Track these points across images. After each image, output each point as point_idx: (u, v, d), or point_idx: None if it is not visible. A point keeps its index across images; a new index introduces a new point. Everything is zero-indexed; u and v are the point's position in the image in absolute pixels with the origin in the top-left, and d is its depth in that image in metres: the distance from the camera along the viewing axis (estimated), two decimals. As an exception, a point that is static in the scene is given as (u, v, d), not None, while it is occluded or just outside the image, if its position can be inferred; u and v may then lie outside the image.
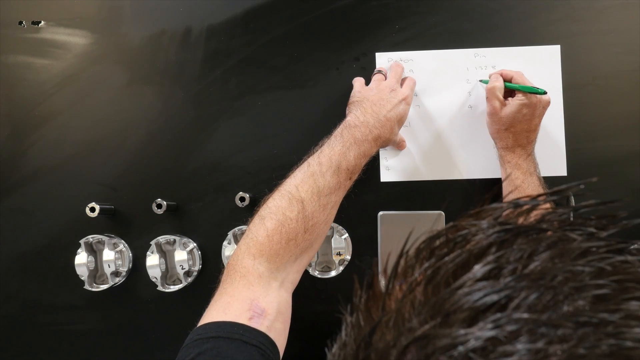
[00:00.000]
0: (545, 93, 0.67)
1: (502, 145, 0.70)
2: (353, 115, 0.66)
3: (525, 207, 0.27)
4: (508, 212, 0.27)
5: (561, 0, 0.75)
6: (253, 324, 0.48)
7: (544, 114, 0.68)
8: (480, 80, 0.75)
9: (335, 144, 0.63)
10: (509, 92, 0.70)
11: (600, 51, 0.75)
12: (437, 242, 0.27)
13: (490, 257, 0.25)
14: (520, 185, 0.67)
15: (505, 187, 0.72)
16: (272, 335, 0.49)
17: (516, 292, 0.23)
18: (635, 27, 0.75)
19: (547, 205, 0.28)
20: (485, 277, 0.24)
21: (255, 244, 0.56)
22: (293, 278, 0.59)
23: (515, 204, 0.28)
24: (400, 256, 0.28)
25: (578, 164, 0.74)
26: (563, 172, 0.75)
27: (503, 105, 0.68)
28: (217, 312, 0.50)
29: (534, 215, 0.27)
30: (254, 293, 0.52)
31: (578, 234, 0.26)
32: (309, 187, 0.59)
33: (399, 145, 0.75)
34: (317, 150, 0.63)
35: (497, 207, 0.28)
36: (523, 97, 0.67)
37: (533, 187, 0.67)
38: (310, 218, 0.58)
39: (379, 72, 0.74)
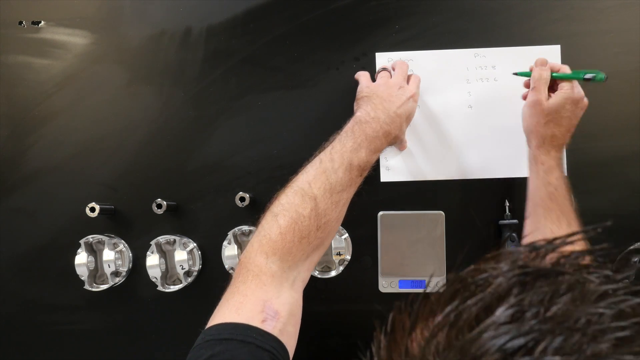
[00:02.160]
0: (604, 79, 0.64)
1: (538, 143, 0.66)
2: (364, 111, 0.65)
3: (542, 250, 0.28)
4: (526, 254, 0.28)
5: (561, 0, 0.75)
6: (266, 327, 0.48)
7: (580, 116, 0.66)
8: (516, 73, 0.71)
9: (346, 140, 0.62)
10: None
11: (600, 51, 0.75)
12: (459, 285, 0.27)
13: (512, 300, 0.25)
14: (553, 193, 0.64)
15: (533, 200, 0.67)
16: (284, 339, 0.49)
17: (542, 335, 0.23)
18: (635, 27, 0.75)
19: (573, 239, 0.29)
20: (508, 321, 0.24)
21: (268, 241, 0.55)
22: (304, 276, 0.58)
23: (533, 247, 0.28)
24: (422, 299, 0.28)
25: (578, 164, 0.74)
26: (563, 172, 0.74)
27: (547, 97, 0.66)
28: (229, 311, 0.49)
29: (550, 257, 0.28)
30: (266, 294, 0.51)
31: (595, 277, 0.26)
32: (322, 183, 0.58)
33: (401, 145, 0.74)
34: (328, 146, 0.63)
35: (516, 250, 0.28)
36: (569, 91, 0.64)
37: (563, 201, 0.64)
38: (322, 215, 0.57)
39: (384, 69, 0.74)
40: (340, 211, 0.60)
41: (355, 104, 0.70)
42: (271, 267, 0.54)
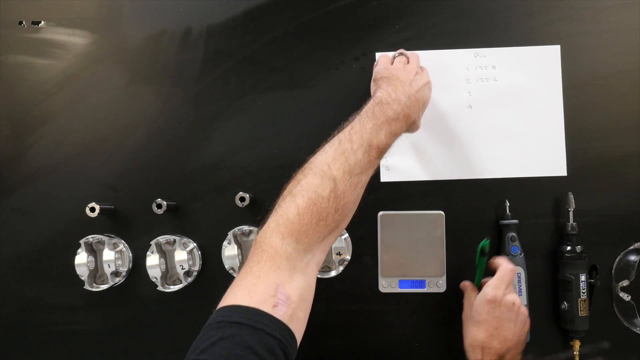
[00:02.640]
0: (488, 243, 0.67)
1: (471, 351, 0.66)
2: (384, 92, 0.64)
3: None
4: None
5: (561, 0, 0.75)
6: (277, 313, 0.48)
7: (510, 320, 0.64)
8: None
9: (366, 121, 0.60)
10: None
11: (600, 51, 0.75)
12: None
13: None
14: None
15: None
16: (293, 326, 0.49)
17: None
18: (635, 27, 0.75)
19: None
20: None
21: (285, 222, 0.54)
22: (318, 259, 0.57)
23: None
24: None
25: (578, 164, 0.74)
26: (563, 172, 0.75)
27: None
28: (241, 293, 0.49)
29: None
30: (279, 277, 0.51)
31: None
32: (341, 165, 0.57)
33: (415, 128, 0.72)
34: (347, 126, 0.61)
35: None
36: (486, 288, 0.66)
37: None
38: (341, 197, 0.56)
39: (402, 54, 0.73)
40: (358, 193, 0.59)
41: (372, 83, 0.70)
42: (287, 249, 0.53)
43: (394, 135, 0.62)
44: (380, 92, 0.64)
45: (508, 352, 0.63)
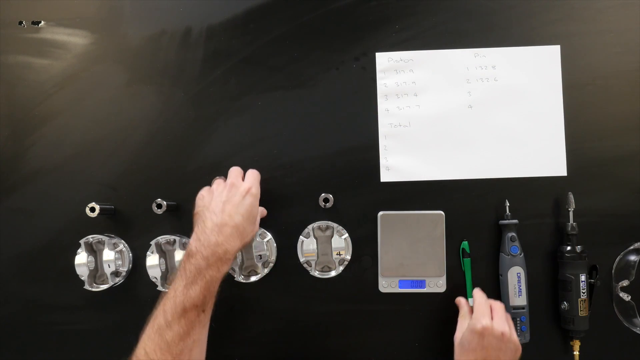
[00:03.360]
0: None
1: None
2: (193, 237, 0.62)
3: None
4: None
5: (561, 0, 0.75)
6: None
7: (497, 349, 0.63)
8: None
9: (178, 282, 0.59)
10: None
11: (600, 51, 0.75)
12: None
13: None
14: None
15: None
16: None
17: None
18: (635, 27, 0.75)
19: None
20: None
21: None
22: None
23: None
24: None
25: (578, 164, 0.74)
26: (563, 172, 0.75)
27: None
28: None
29: None
30: None
31: None
32: (157, 345, 0.56)
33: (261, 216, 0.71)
34: (165, 293, 0.60)
35: None
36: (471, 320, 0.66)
37: None
38: None
39: (218, 177, 0.72)
40: (190, 355, 0.58)
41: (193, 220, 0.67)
42: None
43: (213, 282, 0.60)
44: (191, 239, 0.62)
45: None
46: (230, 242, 0.62)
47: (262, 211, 0.73)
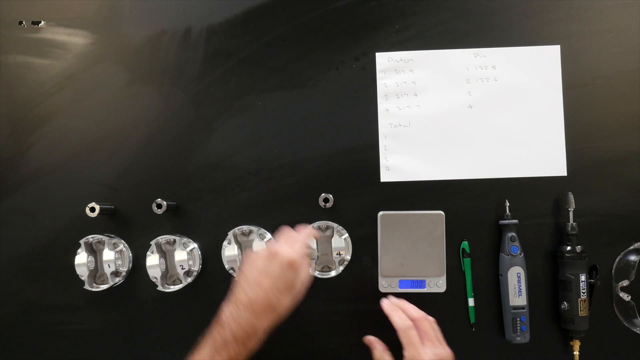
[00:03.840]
0: None
1: None
2: (227, 305, 0.59)
3: None
4: None
5: (561, 0, 0.75)
6: None
7: None
8: None
9: (205, 350, 0.57)
10: None
11: (600, 51, 0.75)
12: None
13: None
14: None
15: None
16: None
17: None
18: (635, 27, 0.75)
19: None
20: None
21: None
22: None
23: None
24: None
25: (578, 164, 0.74)
26: (563, 172, 0.75)
27: None
28: None
29: None
30: None
31: None
32: None
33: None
34: (191, 357, 0.58)
35: None
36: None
37: None
38: None
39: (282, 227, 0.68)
40: None
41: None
42: None
43: (239, 356, 0.57)
44: (227, 303, 0.59)
45: None
46: (262, 320, 0.58)
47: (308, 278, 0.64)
